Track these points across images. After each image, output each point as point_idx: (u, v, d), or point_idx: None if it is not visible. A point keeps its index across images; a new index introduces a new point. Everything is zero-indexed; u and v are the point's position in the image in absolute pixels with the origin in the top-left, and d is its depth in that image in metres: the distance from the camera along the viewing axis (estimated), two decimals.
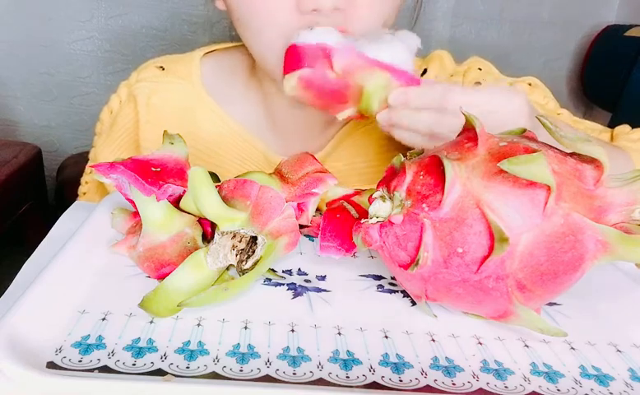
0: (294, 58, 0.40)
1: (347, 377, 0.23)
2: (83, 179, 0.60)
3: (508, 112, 0.38)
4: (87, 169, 0.60)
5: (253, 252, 0.31)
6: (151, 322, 0.27)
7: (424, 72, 0.57)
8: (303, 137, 0.55)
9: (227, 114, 0.55)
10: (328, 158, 0.56)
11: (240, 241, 0.31)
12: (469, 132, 0.29)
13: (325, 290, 0.31)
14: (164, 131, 0.36)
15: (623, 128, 0.54)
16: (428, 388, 0.23)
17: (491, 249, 0.25)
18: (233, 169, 0.55)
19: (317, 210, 0.38)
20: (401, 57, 0.40)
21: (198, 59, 0.58)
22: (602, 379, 0.25)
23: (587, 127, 0.55)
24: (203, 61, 0.59)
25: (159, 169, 0.32)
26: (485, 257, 0.25)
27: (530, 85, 0.56)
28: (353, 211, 0.35)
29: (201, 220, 0.33)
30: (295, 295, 0.30)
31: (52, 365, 0.23)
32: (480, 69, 0.56)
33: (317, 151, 0.55)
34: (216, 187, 0.32)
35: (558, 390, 0.24)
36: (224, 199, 0.33)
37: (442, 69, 0.57)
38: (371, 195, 0.30)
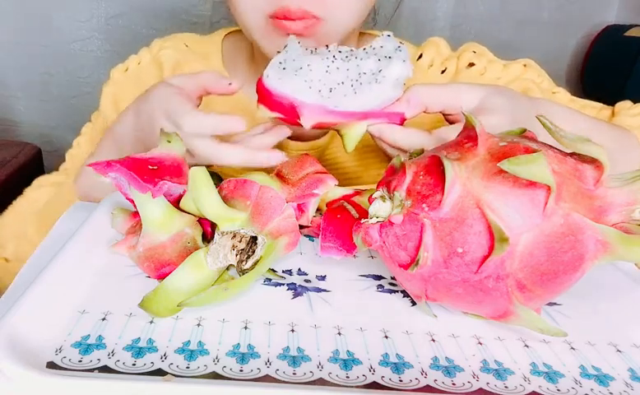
0: (265, 96, 0.38)
1: (347, 377, 0.23)
2: (68, 154, 0.61)
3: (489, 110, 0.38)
4: (74, 141, 0.61)
5: (253, 252, 0.31)
6: (151, 322, 0.27)
7: (420, 56, 0.58)
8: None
9: (241, 94, 0.56)
10: (332, 141, 0.56)
11: (240, 241, 0.31)
12: (469, 132, 0.29)
13: (325, 290, 0.31)
14: (161, 129, 0.36)
15: (624, 104, 0.53)
16: (428, 388, 0.23)
17: (491, 249, 0.25)
18: None
19: (318, 210, 0.38)
20: (382, 100, 0.37)
21: (220, 40, 0.61)
22: (602, 379, 0.25)
23: (586, 104, 0.55)
24: (224, 42, 0.61)
25: (156, 167, 0.32)
26: (485, 257, 0.25)
27: (524, 66, 0.56)
28: (353, 212, 0.35)
29: (201, 220, 0.33)
30: (295, 295, 0.30)
31: (52, 365, 0.23)
32: (474, 52, 0.57)
33: (320, 135, 0.56)
34: (217, 187, 0.32)
35: (558, 390, 0.24)
36: (225, 199, 0.33)
37: (437, 54, 0.58)
38: (371, 195, 0.30)
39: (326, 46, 0.39)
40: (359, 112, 0.37)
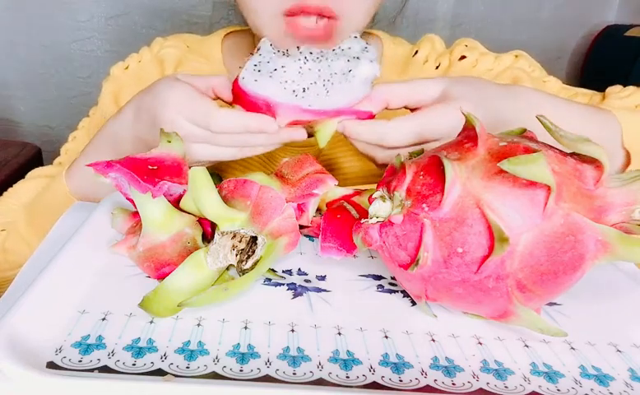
0: (240, 97, 0.39)
1: (347, 377, 0.23)
2: (63, 148, 0.60)
3: (448, 136, 0.38)
4: (70, 136, 0.61)
5: (253, 252, 0.31)
6: (151, 322, 0.27)
7: (416, 53, 0.59)
8: None
9: None
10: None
11: (240, 241, 0.31)
12: (469, 132, 0.29)
13: (325, 290, 0.31)
14: (161, 129, 0.36)
15: (614, 88, 0.54)
16: (428, 388, 0.23)
17: (491, 249, 0.25)
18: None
19: (318, 210, 0.38)
20: (353, 97, 0.39)
21: (220, 40, 0.61)
22: (602, 379, 0.25)
23: (578, 92, 0.55)
24: (224, 42, 0.61)
25: (156, 167, 0.32)
26: (485, 257, 0.25)
27: (516, 56, 0.57)
28: (353, 212, 0.35)
29: (201, 220, 0.33)
30: (295, 295, 0.30)
31: (52, 365, 0.23)
32: (465, 46, 0.58)
33: None
34: (216, 187, 0.32)
35: (558, 390, 0.24)
36: (225, 199, 0.33)
37: (432, 50, 0.59)
38: (371, 195, 0.30)
39: (297, 47, 0.40)
40: (332, 110, 0.39)
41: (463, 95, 0.39)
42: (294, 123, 0.39)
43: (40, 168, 0.57)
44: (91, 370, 0.23)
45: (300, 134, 0.40)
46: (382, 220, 0.29)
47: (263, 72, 0.38)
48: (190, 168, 0.32)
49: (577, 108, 0.43)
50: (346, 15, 0.46)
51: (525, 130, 0.30)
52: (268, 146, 0.41)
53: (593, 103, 0.54)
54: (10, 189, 0.55)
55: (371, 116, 0.40)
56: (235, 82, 0.39)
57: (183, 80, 0.41)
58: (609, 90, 0.54)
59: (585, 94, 0.55)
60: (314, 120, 0.39)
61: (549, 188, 0.25)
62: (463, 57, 0.56)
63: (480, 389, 0.24)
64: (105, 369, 0.23)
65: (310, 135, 0.40)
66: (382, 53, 0.60)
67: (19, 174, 0.56)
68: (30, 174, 0.56)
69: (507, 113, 0.37)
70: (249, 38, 0.60)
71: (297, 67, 0.38)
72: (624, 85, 0.54)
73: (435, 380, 0.24)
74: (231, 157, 0.41)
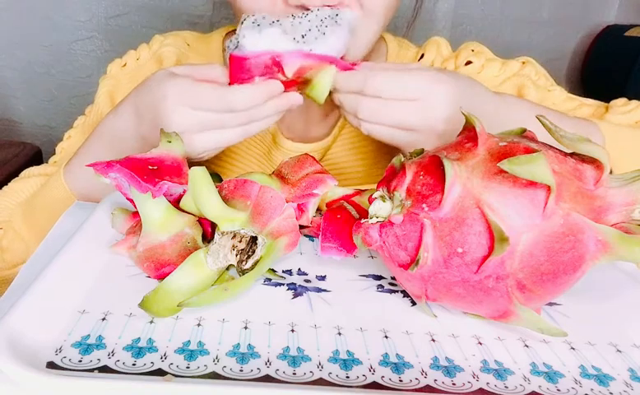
0: (242, 69, 0.39)
1: (347, 377, 0.23)
2: (59, 147, 0.60)
3: (431, 100, 0.39)
4: (65, 135, 0.60)
5: (253, 252, 0.31)
6: (151, 322, 0.27)
7: (422, 57, 0.58)
8: (305, 120, 0.57)
9: None
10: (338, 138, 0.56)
11: (240, 241, 0.31)
12: (469, 132, 0.29)
13: (325, 290, 0.31)
14: (161, 129, 0.36)
15: (618, 101, 0.54)
16: (428, 388, 0.23)
17: (491, 249, 0.25)
18: (243, 147, 0.57)
19: (318, 210, 0.38)
20: (343, 44, 0.40)
21: (220, 39, 0.61)
22: (602, 379, 0.25)
23: (582, 102, 0.55)
24: (225, 40, 0.61)
25: (156, 168, 0.32)
26: (485, 257, 0.25)
27: (523, 63, 0.57)
28: (353, 212, 0.35)
29: (201, 220, 0.33)
30: (295, 295, 0.30)
31: (52, 365, 0.23)
32: (472, 50, 0.57)
33: (322, 137, 0.56)
34: (216, 187, 0.32)
35: (558, 390, 0.24)
36: (225, 199, 0.32)
37: (438, 54, 0.58)
38: (371, 195, 0.30)
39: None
40: (330, 56, 0.40)
41: (452, 74, 0.40)
42: (299, 73, 0.40)
43: (35, 167, 0.57)
44: (91, 370, 0.23)
45: (297, 99, 0.41)
46: (382, 220, 0.29)
47: (263, 26, 0.39)
48: (190, 167, 0.32)
49: (565, 121, 0.43)
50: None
51: (525, 130, 0.30)
52: (273, 116, 0.41)
53: (597, 114, 0.54)
54: (4, 188, 0.54)
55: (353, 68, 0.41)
56: (232, 56, 0.39)
57: (179, 70, 0.41)
58: (613, 103, 0.54)
59: (589, 105, 0.55)
60: (317, 65, 0.40)
61: (549, 188, 0.25)
62: (469, 62, 0.56)
63: (480, 389, 0.24)
64: (105, 369, 0.23)
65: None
66: (387, 55, 0.60)
67: (19, 174, 0.56)
68: (24, 173, 0.56)
69: (492, 121, 0.38)
70: None
71: (290, 20, 0.40)
72: (624, 85, 0.54)
73: (435, 380, 0.24)
74: (237, 139, 0.41)
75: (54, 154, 0.60)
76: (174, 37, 0.61)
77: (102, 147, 0.46)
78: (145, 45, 0.61)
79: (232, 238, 0.31)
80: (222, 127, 0.40)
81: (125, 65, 0.60)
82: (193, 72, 0.41)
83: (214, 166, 0.57)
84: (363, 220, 0.29)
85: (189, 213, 0.33)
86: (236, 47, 0.40)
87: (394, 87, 0.39)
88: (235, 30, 0.63)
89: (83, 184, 0.47)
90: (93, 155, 0.46)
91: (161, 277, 0.30)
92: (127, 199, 0.34)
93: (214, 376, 0.23)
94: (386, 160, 0.41)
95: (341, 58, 0.41)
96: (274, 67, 0.39)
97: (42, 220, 0.48)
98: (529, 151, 0.26)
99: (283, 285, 0.32)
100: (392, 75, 0.39)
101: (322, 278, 0.33)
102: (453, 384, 0.24)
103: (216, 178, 0.38)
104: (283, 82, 0.40)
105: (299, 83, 0.41)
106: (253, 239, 0.31)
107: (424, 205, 0.27)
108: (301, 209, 0.35)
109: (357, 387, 0.23)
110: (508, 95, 0.46)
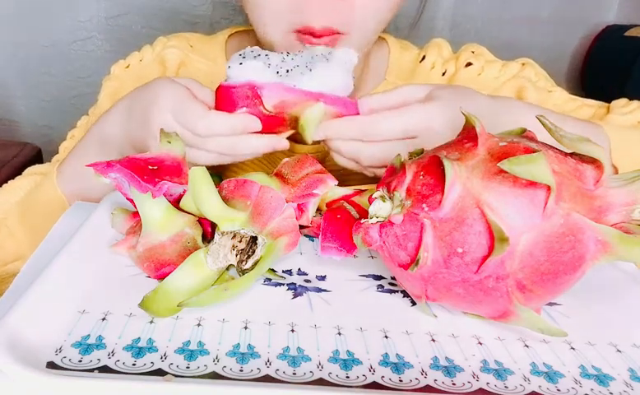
0: (226, 99, 0.40)
1: (347, 377, 0.23)
2: (62, 147, 0.60)
3: (429, 134, 0.39)
4: (68, 134, 0.61)
5: (253, 252, 0.31)
6: (151, 322, 0.27)
7: (423, 58, 0.59)
8: None
9: None
10: None
11: (240, 241, 0.31)
12: (469, 132, 0.29)
13: (325, 290, 0.31)
14: (161, 129, 0.36)
15: (619, 102, 0.54)
16: (428, 388, 0.23)
17: (491, 249, 0.25)
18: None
19: (318, 210, 0.38)
20: (335, 82, 0.40)
21: (224, 41, 0.61)
22: (602, 379, 0.25)
23: (584, 102, 0.55)
24: (228, 42, 0.61)
25: (156, 167, 0.32)
26: (485, 257, 0.25)
27: (523, 64, 0.57)
28: (353, 212, 0.35)
29: (201, 220, 0.33)
30: (295, 295, 0.30)
31: (52, 365, 0.23)
32: (472, 52, 0.58)
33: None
34: (216, 187, 0.32)
35: (558, 390, 0.24)
36: (225, 199, 0.33)
37: (439, 56, 0.59)
38: (371, 195, 0.30)
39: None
40: (316, 92, 0.39)
41: (444, 97, 0.40)
42: (281, 109, 0.39)
43: (37, 165, 0.57)
44: (91, 370, 0.23)
45: (283, 143, 0.40)
46: (382, 220, 0.29)
47: (248, 58, 0.40)
48: (190, 168, 0.32)
49: (569, 123, 0.43)
50: (355, 31, 0.47)
51: (525, 130, 0.30)
52: (251, 155, 0.41)
53: (599, 115, 0.54)
54: (5, 185, 0.54)
55: (353, 106, 0.41)
56: (219, 86, 0.40)
57: (179, 82, 0.41)
58: (614, 103, 0.54)
59: (590, 106, 0.55)
60: (300, 101, 0.39)
61: (549, 188, 0.25)
62: (469, 63, 0.56)
63: (480, 389, 0.24)
64: (105, 369, 0.23)
65: (296, 140, 0.41)
66: (389, 56, 0.60)
67: (19, 174, 0.56)
68: (26, 171, 0.56)
69: (492, 125, 0.38)
70: (254, 38, 0.60)
71: (280, 56, 0.41)
72: (624, 86, 0.54)
73: (435, 380, 0.24)
74: (208, 163, 0.41)
75: (54, 153, 0.60)
76: (178, 39, 0.61)
77: (92, 150, 0.46)
78: (148, 47, 0.61)
79: (232, 238, 0.31)
80: (200, 148, 0.40)
81: (128, 66, 0.60)
82: (193, 87, 0.42)
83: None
84: (363, 220, 0.29)
85: (189, 213, 0.33)
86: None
87: (397, 132, 0.39)
88: (239, 30, 0.63)
89: (73, 186, 0.47)
90: (83, 157, 0.46)
91: (161, 277, 0.30)
92: (127, 199, 0.34)
93: (214, 376, 0.23)
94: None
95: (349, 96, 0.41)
96: (255, 99, 0.39)
97: (34, 219, 0.48)
98: (529, 150, 0.26)
99: (283, 285, 0.32)
100: (394, 120, 0.39)
101: (322, 278, 0.33)
102: (453, 384, 0.24)
103: (216, 178, 0.38)
104: (271, 118, 0.40)
105: (291, 121, 0.40)
106: (253, 239, 0.31)
107: (424, 205, 0.27)
108: (301, 209, 0.35)
109: (357, 387, 0.23)
110: (507, 98, 0.46)
